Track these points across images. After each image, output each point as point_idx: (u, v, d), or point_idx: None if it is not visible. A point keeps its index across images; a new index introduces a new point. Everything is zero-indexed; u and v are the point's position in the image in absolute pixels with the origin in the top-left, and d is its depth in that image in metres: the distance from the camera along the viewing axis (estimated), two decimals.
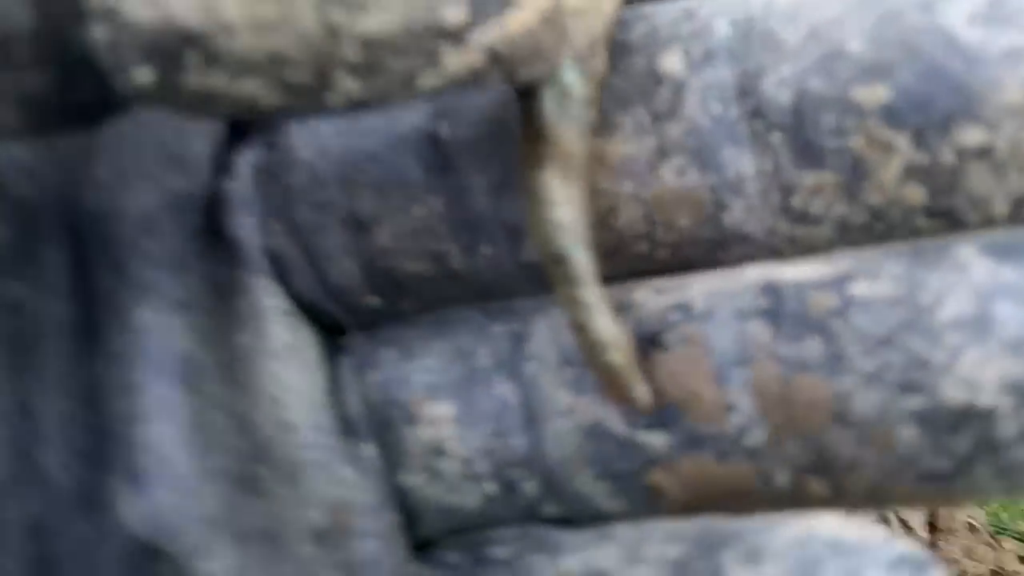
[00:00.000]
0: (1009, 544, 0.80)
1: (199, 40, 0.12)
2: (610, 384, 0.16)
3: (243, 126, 0.19)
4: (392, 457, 0.18)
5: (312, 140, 0.18)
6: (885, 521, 0.88)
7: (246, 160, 0.18)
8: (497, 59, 0.13)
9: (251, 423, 0.17)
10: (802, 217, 0.15)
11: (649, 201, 0.16)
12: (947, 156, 0.14)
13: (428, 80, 0.13)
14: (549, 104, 0.15)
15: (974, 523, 0.80)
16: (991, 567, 0.82)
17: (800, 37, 0.15)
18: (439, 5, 0.13)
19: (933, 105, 0.14)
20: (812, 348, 0.15)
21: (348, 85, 0.13)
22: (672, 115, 0.15)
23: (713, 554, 0.15)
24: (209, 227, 0.18)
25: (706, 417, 0.15)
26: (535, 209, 0.15)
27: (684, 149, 0.15)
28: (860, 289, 0.15)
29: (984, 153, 0.14)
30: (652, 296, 0.16)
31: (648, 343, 0.16)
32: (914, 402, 0.14)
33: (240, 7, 0.12)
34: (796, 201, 0.15)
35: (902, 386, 0.14)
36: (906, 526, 0.85)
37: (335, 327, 0.19)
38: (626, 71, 0.16)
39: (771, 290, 0.15)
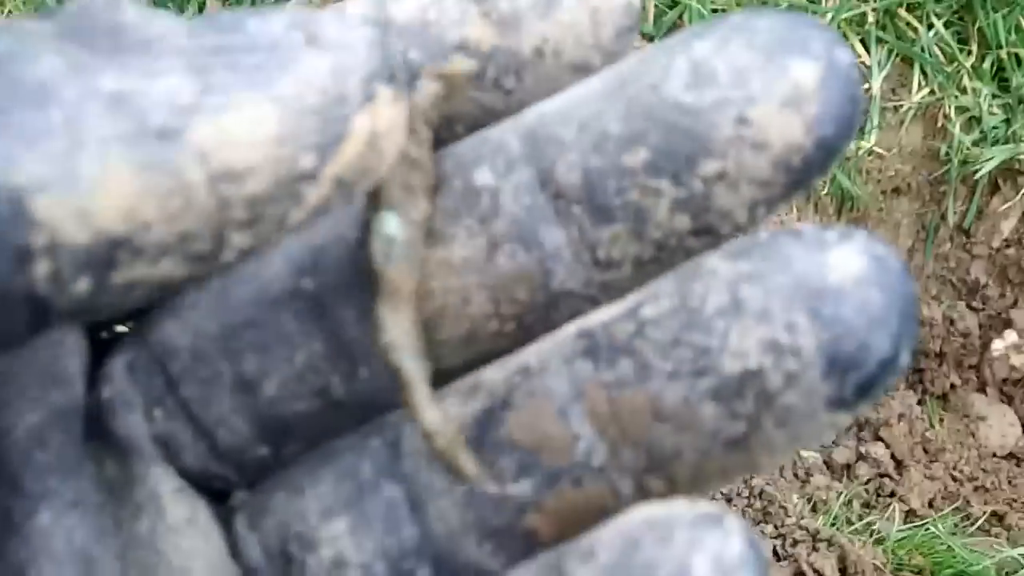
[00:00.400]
0: None
1: (125, 241, 0.14)
2: (446, 465, 0.19)
3: (106, 341, 0.21)
4: None
5: (187, 327, 0.20)
6: (800, 573, 0.93)
7: (118, 365, 0.21)
8: (341, 185, 0.17)
9: None
10: (607, 264, 0.19)
11: (492, 285, 0.20)
12: (698, 186, 0.18)
13: (296, 216, 0.16)
14: (377, 252, 0.19)
15: (878, 564, 0.85)
16: None
17: (574, 131, 0.19)
18: (298, 156, 0.16)
19: (678, 153, 0.18)
20: (625, 366, 0.18)
21: (238, 240, 0.16)
22: (495, 215, 0.19)
23: (561, 566, 0.18)
24: (96, 432, 0.20)
25: (558, 453, 0.19)
26: (374, 334, 0.19)
27: (510, 238, 0.19)
28: (647, 311, 0.18)
29: (722, 176, 0.18)
30: (497, 371, 0.20)
31: (501, 408, 0.19)
32: (706, 383, 0.18)
33: (154, 205, 0.14)
34: (600, 253, 0.19)
35: (695, 373, 0.18)
36: (819, 574, 0.90)
37: (223, 492, 0.21)
38: (450, 193, 0.20)
39: (585, 334, 0.19)
